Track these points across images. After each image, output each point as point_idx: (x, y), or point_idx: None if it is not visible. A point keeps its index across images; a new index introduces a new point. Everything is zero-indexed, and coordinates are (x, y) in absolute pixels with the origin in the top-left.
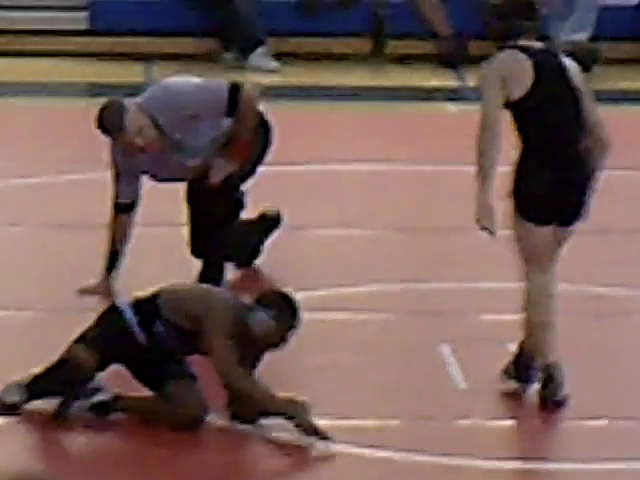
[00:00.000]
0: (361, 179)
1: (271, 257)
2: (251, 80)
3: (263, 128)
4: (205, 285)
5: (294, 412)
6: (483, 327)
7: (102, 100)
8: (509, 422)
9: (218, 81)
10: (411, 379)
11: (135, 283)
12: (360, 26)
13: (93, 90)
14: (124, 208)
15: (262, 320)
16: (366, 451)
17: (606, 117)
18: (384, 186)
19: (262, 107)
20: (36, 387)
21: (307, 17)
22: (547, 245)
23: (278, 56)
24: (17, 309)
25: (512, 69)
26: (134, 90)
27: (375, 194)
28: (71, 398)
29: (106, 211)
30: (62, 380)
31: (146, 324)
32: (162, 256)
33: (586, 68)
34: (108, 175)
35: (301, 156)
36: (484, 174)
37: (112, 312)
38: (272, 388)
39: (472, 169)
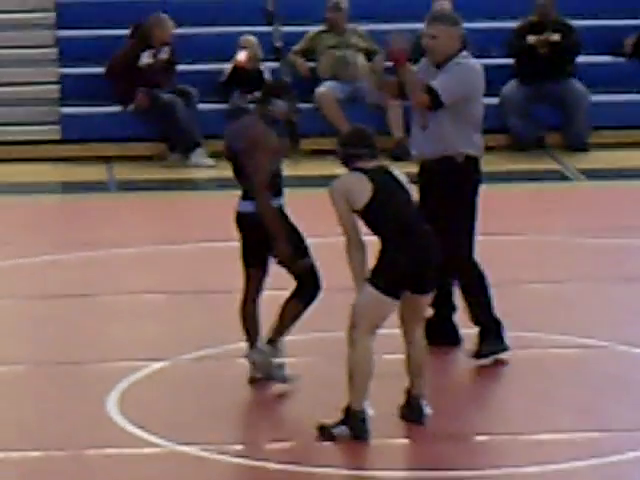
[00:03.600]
0: None
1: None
2: (192, 175)
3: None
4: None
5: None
6: (385, 365)
7: (73, 197)
8: (405, 440)
9: None
10: (327, 409)
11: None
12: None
13: (65, 188)
14: None
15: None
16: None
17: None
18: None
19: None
20: None
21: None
22: (388, 315)
23: (213, 155)
24: (10, 364)
25: (352, 187)
26: (99, 187)
27: None
28: None
29: (80, 284)
30: None
31: None
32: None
33: None
34: (79, 255)
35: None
36: (357, 277)
37: None
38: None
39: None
